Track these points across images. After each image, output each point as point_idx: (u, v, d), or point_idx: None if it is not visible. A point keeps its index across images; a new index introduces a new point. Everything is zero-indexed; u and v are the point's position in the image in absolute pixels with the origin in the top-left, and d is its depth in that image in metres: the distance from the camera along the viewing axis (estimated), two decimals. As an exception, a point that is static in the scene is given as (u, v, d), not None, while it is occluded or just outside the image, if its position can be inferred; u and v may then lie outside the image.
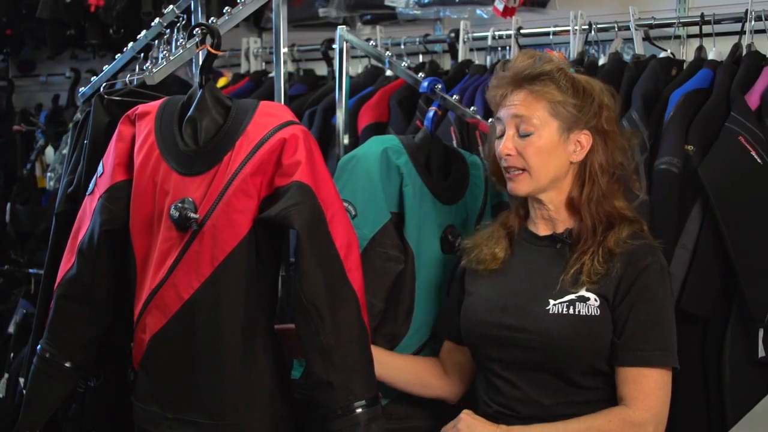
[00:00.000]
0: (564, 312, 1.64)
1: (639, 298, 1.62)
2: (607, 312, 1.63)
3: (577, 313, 1.63)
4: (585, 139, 1.69)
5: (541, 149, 1.67)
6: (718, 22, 2.41)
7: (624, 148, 1.71)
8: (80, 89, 2.19)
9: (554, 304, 1.64)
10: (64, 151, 2.23)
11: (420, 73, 2.14)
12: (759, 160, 2.03)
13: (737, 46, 2.35)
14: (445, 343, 1.88)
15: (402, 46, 2.99)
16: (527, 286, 1.70)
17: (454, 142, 2.36)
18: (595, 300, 1.63)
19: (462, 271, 1.82)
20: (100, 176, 1.79)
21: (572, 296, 1.64)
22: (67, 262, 1.79)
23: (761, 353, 1.98)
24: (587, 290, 1.63)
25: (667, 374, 1.62)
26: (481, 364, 1.77)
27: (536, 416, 1.67)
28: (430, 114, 2.01)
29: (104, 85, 2.01)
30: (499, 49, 2.80)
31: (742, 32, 2.36)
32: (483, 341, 1.73)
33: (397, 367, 1.84)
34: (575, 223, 1.71)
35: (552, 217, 1.73)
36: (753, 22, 2.34)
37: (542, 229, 1.75)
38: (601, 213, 1.68)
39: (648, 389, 1.60)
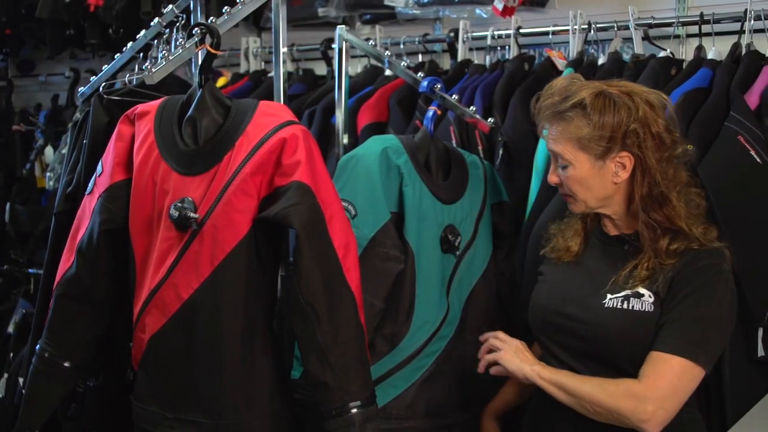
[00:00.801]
0: (618, 306, 1.70)
1: (686, 296, 1.66)
2: (659, 309, 1.68)
3: (630, 308, 1.69)
4: (627, 160, 1.71)
5: (579, 179, 1.73)
6: (717, 21, 2.41)
7: (653, 164, 1.70)
8: (80, 89, 2.19)
9: (610, 299, 1.71)
10: (64, 151, 2.23)
11: (419, 73, 2.14)
12: (758, 160, 2.03)
13: (736, 46, 2.35)
14: None
15: (401, 46, 2.99)
16: (590, 280, 1.77)
17: (454, 142, 2.36)
18: (650, 296, 1.68)
19: (542, 258, 1.91)
20: (99, 176, 1.79)
21: (628, 292, 1.70)
22: (67, 262, 1.79)
23: (761, 353, 1.98)
24: (643, 287, 1.69)
25: (689, 367, 1.63)
26: (543, 346, 1.84)
27: None
28: (430, 113, 2.01)
29: (103, 84, 2.01)
30: (499, 48, 2.80)
31: (741, 32, 2.36)
32: (544, 327, 1.82)
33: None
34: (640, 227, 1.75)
35: (617, 224, 1.80)
36: (752, 22, 2.34)
37: (612, 230, 1.81)
38: (654, 225, 1.71)
39: (661, 371, 1.63)
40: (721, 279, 1.68)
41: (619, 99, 1.69)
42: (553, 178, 1.77)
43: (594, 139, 1.69)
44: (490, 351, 1.80)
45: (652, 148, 1.69)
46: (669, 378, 1.62)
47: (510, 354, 1.77)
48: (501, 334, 1.82)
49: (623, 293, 1.70)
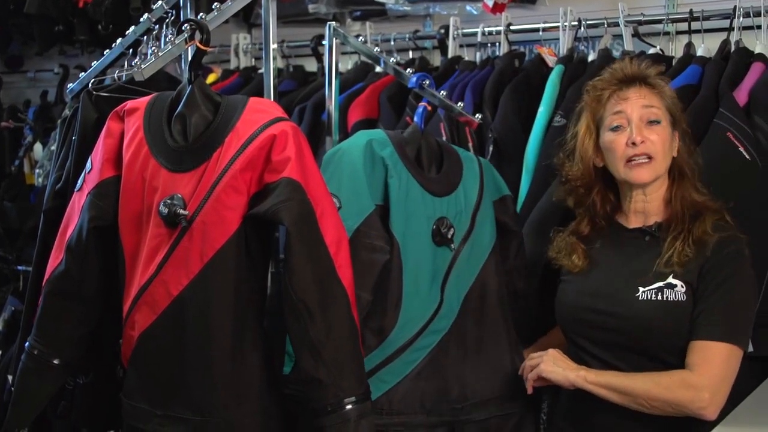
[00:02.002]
0: (653, 298, 1.76)
1: (720, 284, 1.73)
2: (692, 298, 1.75)
3: (665, 299, 1.76)
4: (677, 137, 1.85)
5: (665, 138, 1.82)
6: (706, 18, 2.43)
7: (691, 151, 1.87)
8: (69, 85, 2.18)
9: (643, 291, 1.77)
10: (53, 148, 2.22)
11: (408, 69, 2.13)
12: (747, 156, 2.05)
13: (726, 43, 2.36)
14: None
15: (392, 42, 2.99)
16: (617, 275, 1.83)
17: (444, 138, 2.36)
18: (682, 287, 1.75)
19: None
20: (88, 173, 1.79)
21: (660, 283, 1.76)
22: (56, 259, 1.79)
23: (750, 348, 1.99)
24: (674, 277, 1.76)
25: (733, 351, 1.71)
26: (574, 344, 1.89)
27: None
28: (420, 109, 2.01)
29: (93, 81, 2.00)
30: (489, 45, 2.80)
31: (730, 29, 2.37)
32: (576, 324, 1.87)
33: None
34: (664, 216, 1.84)
35: (646, 210, 1.86)
36: (741, 19, 2.35)
37: (633, 222, 1.87)
38: (688, 204, 1.82)
39: (710, 358, 1.70)
40: (746, 264, 1.78)
41: None
42: (640, 135, 1.79)
43: (675, 103, 1.85)
44: (532, 370, 1.84)
45: (689, 135, 1.86)
46: (719, 364, 1.70)
47: (550, 365, 1.81)
48: (533, 353, 1.87)
49: (656, 285, 1.77)
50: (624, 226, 1.88)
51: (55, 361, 1.79)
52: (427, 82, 2.05)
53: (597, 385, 1.76)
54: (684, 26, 2.48)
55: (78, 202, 1.79)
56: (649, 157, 1.80)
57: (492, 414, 1.92)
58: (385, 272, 1.84)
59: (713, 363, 1.69)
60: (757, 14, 2.34)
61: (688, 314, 1.74)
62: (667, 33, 2.55)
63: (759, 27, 2.34)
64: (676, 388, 1.69)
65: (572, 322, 1.89)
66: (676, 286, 1.75)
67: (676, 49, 2.56)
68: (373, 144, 1.87)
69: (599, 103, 1.87)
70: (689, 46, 2.44)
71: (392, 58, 2.18)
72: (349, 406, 1.63)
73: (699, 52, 2.40)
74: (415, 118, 1.99)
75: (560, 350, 1.86)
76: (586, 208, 1.92)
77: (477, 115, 2.19)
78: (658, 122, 1.81)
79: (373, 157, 1.86)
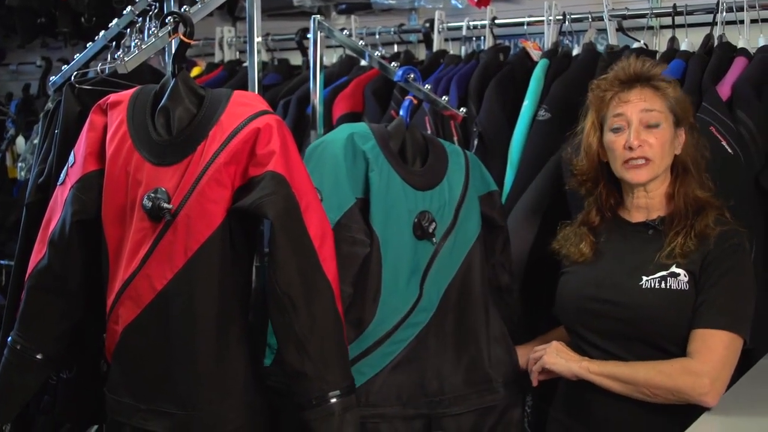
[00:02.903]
0: (656, 286, 1.79)
1: (722, 275, 1.77)
2: (694, 287, 1.78)
3: (668, 287, 1.79)
4: (682, 135, 1.87)
5: (665, 141, 1.83)
6: (690, 13, 2.44)
7: (698, 144, 1.89)
8: (51, 78, 2.17)
9: (647, 280, 1.81)
10: (35, 141, 2.20)
11: (393, 63, 2.13)
12: (730, 150, 2.06)
13: (709, 37, 2.37)
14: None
15: (377, 36, 2.98)
16: (621, 265, 1.86)
17: (429, 132, 2.36)
18: (685, 276, 1.79)
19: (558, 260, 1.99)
20: (71, 166, 1.78)
21: (664, 272, 1.80)
22: (38, 253, 1.77)
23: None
24: (677, 267, 1.79)
25: (733, 339, 1.74)
26: (576, 335, 1.91)
27: None
28: (406, 103, 2.00)
29: (76, 74, 1.99)
30: (474, 39, 2.80)
31: (713, 23, 2.38)
32: (579, 314, 1.89)
33: None
34: (667, 210, 1.87)
35: (648, 205, 1.89)
36: (724, 14, 2.36)
37: (636, 217, 1.90)
38: (691, 199, 1.85)
39: (711, 346, 1.73)
40: (746, 256, 1.82)
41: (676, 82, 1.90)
42: (638, 139, 1.82)
43: (679, 103, 1.86)
44: (536, 362, 1.88)
45: (697, 130, 1.89)
46: (720, 351, 1.73)
47: (553, 357, 1.85)
48: (536, 347, 1.92)
49: (659, 274, 1.80)
50: (628, 221, 1.91)
51: (38, 356, 1.78)
52: (413, 76, 2.05)
53: (600, 375, 1.79)
54: (668, 21, 2.50)
55: (61, 195, 1.77)
56: (647, 160, 1.83)
57: (470, 408, 1.93)
58: (364, 265, 1.84)
59: (714, 350, 1.72)
60: (740, 9, 2.35)
61: (690, 303, 1.77)
62: (651, 27, 2.56)
63: (742, 22, 2.36)
64: (677, 375, 1.72)
65: (575, 312, 1.91)
66: (679, 275, 1.78)
67: (660, 43, 2.57)
68: (354, 137, 1.87)
69: (603, 103, 1.89)
70: (673, 40, 2.45)
71: (377, 52, 2.18)
72: (333, 400, 1.63)
73: (683, 47, 2.41)
74: (401, 112, 1.99)
75: (563, 342, 1.89)
76: (595, 198, 1.95)
77: (462, 109, 2.19)
78: (657, 126, 1.83)
79: (354, 151, 1.86)
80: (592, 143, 1.92)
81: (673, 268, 1.79)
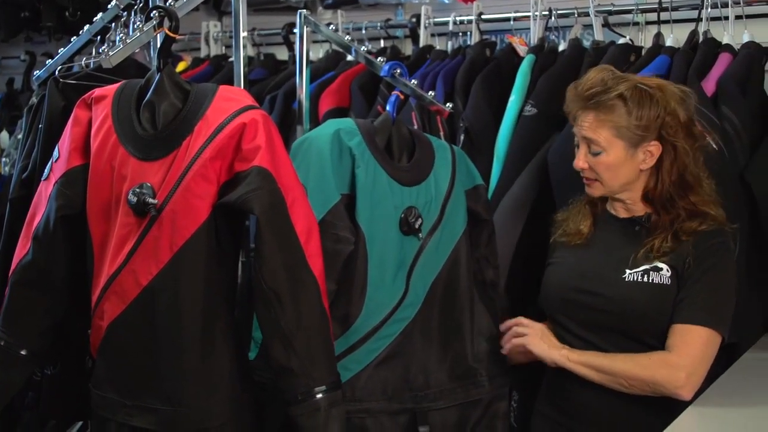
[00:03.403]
0: (639, 280, 1.82)
1: (704, 272, 1.79)
2: (676, 283, 1.80)
3: (651, 281, 1.81)
4: (654, 148, 1.84)
5: (610, 165, 1.84)
6: (675, 9, 2.45)
7: (687, 151, 1.84)
8: (35, 73, 2.16)
9: (630, 273, 1.83)
10: (19, 136, 2.19)
11: (379, 58, 2.13)
12: (715, 146, 2.06)
13: (694, 33, 2.38)
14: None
15: (363, 31, 2.98)
16: (605, 259, 1.89)
17: (416, 127, 2.36)
18: (667, 270, 1.81)
19: (552, 245, 2.00)
20: (55, 161, 1.76)
21: (647, 266, 1.82)
22: (23, 249, 1.76)
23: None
24: (660, 261, 1.81)
25: (712, 335, 1.77)
26: (559, 325, 1.93)
27: None
28: (393, 98, 2.00)
29: (60, 68, 1.98)
30: (461, 34, 2.80)
31: (698, 19, 2.39)
32: (563, 304, 1.92)
33: None
34: (653, 209, 1.88)
35: (630, 208, 1.91)
36: (709, 10, 2.37)
37: (622, 213, 1.93)
38: (677, 208, 1.84)
39: (689, 340, 1.76)
40: (729, 256, 1.84)
41: (654, 93, 1.81)
42: (579, 164, 1.86)
43: (632, 129, 1.81)
44: (516, 337, 1.90)
45: (683, 137, 1.82)
46: (697, 346, 1.75)
47: (536, 339, 1.88)
48: (524, 320, 1.92)
49: (642, 267, 1.82)
50: (615, 216, 1.93)
51: (23, 352, 1.77)
52: (399, 71, 2.05)
53: (579, 363, 1.82)
54: (653, 16, 2.51)
55: (45, 191, 1.76)
56: (594, 180, 1.87)
57: (456, 402, 1.94)
58: (350, 261, 1.84)
59: (692, 345, 1.75)
60: (725, 5, 2.36)
61: (671, 297, 1.79)
62: (636, 23, 2.57)
63: (726, 18, 2.37)
64: (655, 368, 1.75)
65: (558, 302, 1.93)
66: (662, 269, 1.81)
67: (645, 39, 2.59)
68: (340, 133, 1.87)
69: (570, 118, 1.92)
70: (658, 36, 2.46)
71: (363, 47, 2.17)
72: (319, 395, 1.63)
73: (668, 43, 2.42)
74: (388, 107, 1.99)
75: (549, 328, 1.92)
76: None
77: (448, 104, 2.19)
78: (598, 153, 1.84)
79: (340, 147, 1.86)
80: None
81: (656, 263, 1.81)
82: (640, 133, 1.81)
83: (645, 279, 1.81)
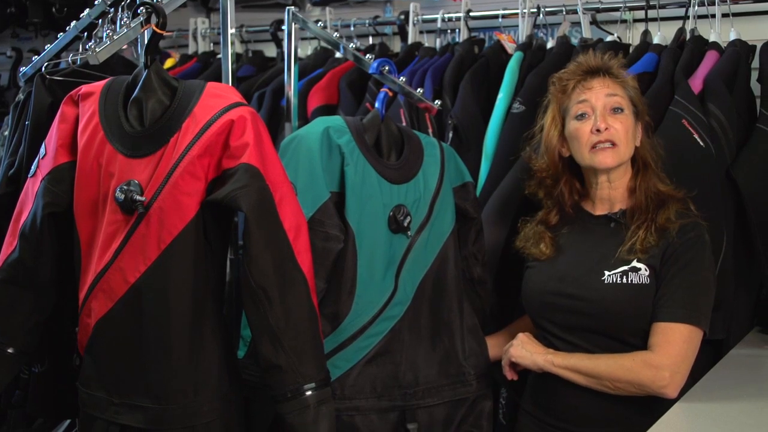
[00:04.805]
0: (618, 281, 1.82)
1: (681, 267, 1.79)
2: (655, 281, 1.81)
3: (630, 282, 1.81)
4: (640, 128, 1.90)
5: (628, 126, 1.86)
6: (662, 7, 2.46)
7: (653, 143, 1.92)
8: (22, 69, 2.14)
9: (609, 275, 1.83)
10: (6, 133, 2.18)
11: (368, 55, 2.13)
12: (701, 143, 2.08)
13: (681, 31, 2.39)
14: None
15: (352, 28, 2.98)
16: (583, 260, 1.88)
17: (404, 124, 2.36)
18: (646, 270, 1.81)
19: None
20: (42, 158, 1.76)
21: (625, 267, 1.82)
22: (9, 246, 1.75)
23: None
24: (638, 261, 1.81)
25: (693, 332, 1.77)
26: (542, 328, 1.94)
27: None
28: (381, 95, 2.00)
29: (47, 64, 1.97)
30: (449, 31, 2.81)
31: (685, 17, 2.40)
32: (543, 309, 1.92)
33: None
34: (629, 203, 1.89)
35: (611, 197, 1.90)
36: (696, 8, 2.38)
37: (598, 209, 1.92)
38: (652, 194, 1.86)
39: (672, 339, 1.76)
40: (706, 249, 1.83)
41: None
42: (604, 122, 1.84)
43: (637, 97, 1.89)
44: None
45: (651, 128, 1.91)
46: (679, 344, 1.75)
47: (519, 349, 1.90)
48: (503, 336, 1.99)
49: (621, 269, 1.82)
50: (590, 213, 1.93)
51: (9, 350, 1.76)
52: (387, 68, 2.05)
53: (563, 368, 1.83)
54: (641, 14, 2.51)
55: (32, 188, 1.75)
56: (613, 144, 1.84)
57: (444, 399, 1.94)
58: (339, 259, 1.84)
59: (674, 343, 1.75)
60: (711, 3, 2.37)
61: (651, 297, 1.79)
62: (624, 21, 2.58)
63: (713, 16, 2.38)
64: (638, 369, 1.75)
65: (539, 307, 1.93)
66: (640, 269, 1.81)
67: (633, 36, 2.59)
68: (330, 131, 1.87)
69: (564, 94, 1.91)
70: (646, 33, 2.47)
71: (352, 44, 2.17)
72: (308, 392, 1.63)
73: (655, 40, 2.43)
74: (377, 104, 1.99)
75: (530, 334, 1.92)
76: (555, 199, 1.96)
77: (436, 101, 2.19)
78: (621, 110, 1.85)
79: (330, 145, 1.86)
80: (552, 138, 1.93)
81: (635, 263, 1.81)
82: (639, 105, 1.88)
83: (624, 280, 1.81)
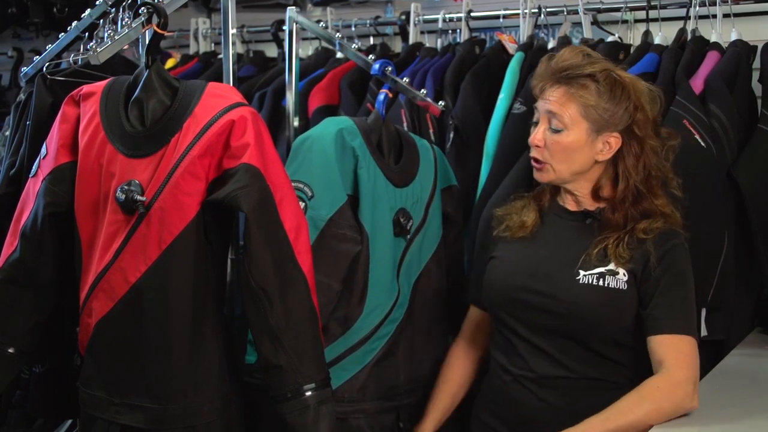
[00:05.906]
0: (594, 283, 1.72)
1: (667, 273, 1.71)
2: (634, 288, 1.72)
3: (606, 285, 1.72)
4: (614, 141, 1.75)
5: (567, 147, 1.74)
6: (664, 7, 2.46)
7: (657, 150, 1.78)
8: (23, 69, 2.15)
9: (584, 275, 1.73)
10: (7, 133, 2.18)
11: (370, 56, 2.13)
12: (703, 144, 2.07)
13: (682, 31, 2.39)
14: (471, 308, 1.95)
15: (353, 28, 2.98)
16: (556, 256, 1.78)
17: (405, 125, 2.36)
18: (624, 275, 1.72)
19: (490, 239, 1.89)
20: (43, 158, 1.76)
21: (602, 269, 1.73)
22: (10, 246, 1.76)
23: (704, 332, 2.03)
24: (617, 264, 1.72)
25: (695, 342, 1.70)
26: (504, 326, 1.82)
27: (555, 376, 1.75)
28: (381, 96, 2.01)
29: (48, 64, 1.97)
30: (450, 32, 2.80)
31: (686, 18, 2.40)
32: (508, 304, 1.80)
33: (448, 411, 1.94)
34: (605, 204, 1.79)
35: (579, 201, 1.82)
36: (697, 8, 2.38)
37: (573, 206, 1.83)
38: (637, 211, 1.75)
39: (685, 351, 1.67)
40: (687, 256, 1.76)
41: (627, 84, 1.75)
42: (536, 139, 1.76)
43: (600, 111, 1.73)
44: None
45: (652, 135, 1.76)
46: (692, 356, 1.67)
47: None
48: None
49: (598, 270, 1.73)
50: (566, 208, 1.83)
51: (10, 350, 1.76)
52: (390, 69, 2.05)
53: None
54: (642, 14, 2.51)
55: (33, 188, 1.76)
56: (539, 162, 1.77)
57: (419, 397, 1.96)
58: (352, 263, 1.84)
59: (689, 356, 1.67)
60: (713, 4, 2.37)
61: (627, 304, 1.71)
62: (625, 21, 2.58)
63: (714, 16, 2.38)
64: (669, 395, 1.62)
65: (503, 302, 1.81)
66: (618, 273, 1.72)
67: (634, 37, 2.59)
68: (343, 133, 1.87)
69: (535, 93, 1.82)
70: (647, 34, 2.47)
71: (353, 44, 2.17)
72: (308, 393, 1.63)
73: (656, 41, 2.43)
74: (377, 105, 1.99)
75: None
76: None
77: (440, 102, 2.20)
78: (559, 131, 1.74)
79: (343, 147, 1.86)
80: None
81: (612, 266, 1.72)
82: (606, 118, 1.73)
83: (600, 282, 1.71)
